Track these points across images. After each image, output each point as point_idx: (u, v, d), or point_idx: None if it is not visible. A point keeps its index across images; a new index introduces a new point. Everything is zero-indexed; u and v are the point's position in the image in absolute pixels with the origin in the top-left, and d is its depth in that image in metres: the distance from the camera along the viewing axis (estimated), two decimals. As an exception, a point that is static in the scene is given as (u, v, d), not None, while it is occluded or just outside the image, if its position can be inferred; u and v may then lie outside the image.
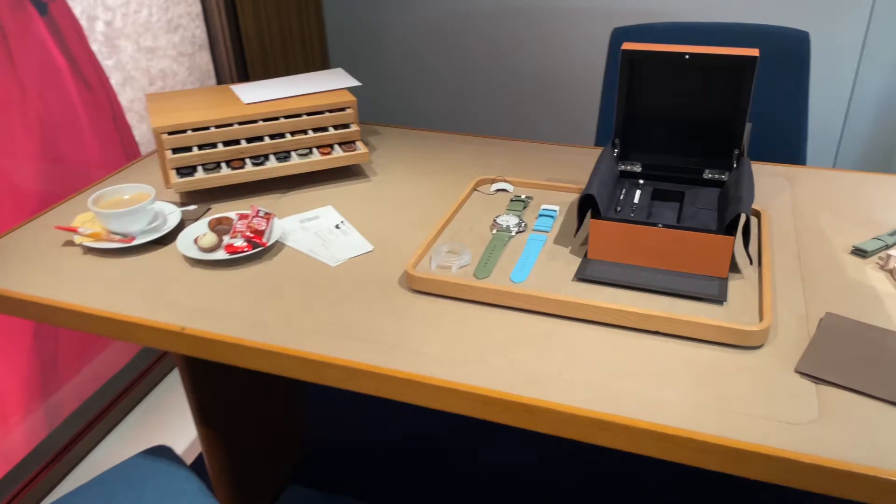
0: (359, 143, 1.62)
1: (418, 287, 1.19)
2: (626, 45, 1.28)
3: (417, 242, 1.33)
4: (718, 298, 1.11)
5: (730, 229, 1.13)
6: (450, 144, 1.77)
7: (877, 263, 1.22)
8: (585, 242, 1.28)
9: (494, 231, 1.34)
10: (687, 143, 1.34)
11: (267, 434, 1.97)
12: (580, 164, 1.62)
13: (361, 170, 1.65)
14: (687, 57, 1.25)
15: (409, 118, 3.49)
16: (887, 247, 1.26)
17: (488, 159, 1.67)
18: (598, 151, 1.69)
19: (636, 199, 1.28)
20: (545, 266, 1.23)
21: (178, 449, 2.25)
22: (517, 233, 1.33)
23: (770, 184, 1.51)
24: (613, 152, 1.36)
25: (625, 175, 1.36)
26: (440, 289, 1.18)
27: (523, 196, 1.47)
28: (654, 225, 1.16)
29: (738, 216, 1.12)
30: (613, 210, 1.26)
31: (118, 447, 2.26)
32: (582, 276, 1.18)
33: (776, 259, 1.24)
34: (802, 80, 1.84)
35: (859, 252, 1.25)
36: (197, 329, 1.11)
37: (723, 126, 1.30)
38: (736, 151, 1.29)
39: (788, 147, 1.90)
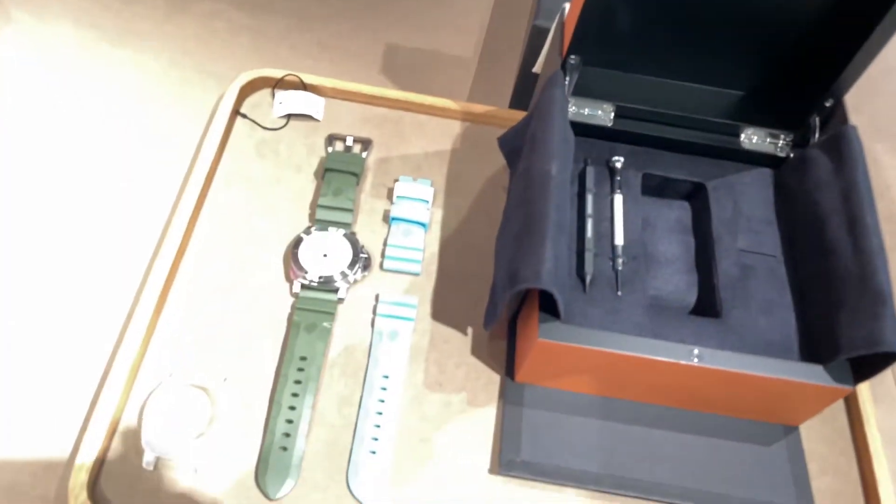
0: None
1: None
2: None
3: (103, 332, 0.54)
4: (801, 519, 0.52)
5: (836, 367, 0.50)
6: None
7: None
8: (507, 327, 0.58)
9: (298, 292, 0.58)
10: (714, 68, 0.60)
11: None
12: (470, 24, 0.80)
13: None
14: None
15: None
16: None
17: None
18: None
19: (618, 226, 0.57)
20: (419, 412, 0.54)
21: None
22: (350, 284, 0.58)
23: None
24: (565, 83, 0.58)
25: (584, 131, 0.61)
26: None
27: (350, 143, 0.67)
28: (687, 360, 0.49)
29: (882, 358, 0.49)
30: (573, 266, 0.55)
31: None
32: (513, 469, 0.52)
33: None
34: None
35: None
36: None
37: (806, 44, 0.57)
38: (829, 103, 0.59)
39: None
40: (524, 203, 0.52)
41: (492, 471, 0.52)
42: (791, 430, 0.56)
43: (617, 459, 0.53)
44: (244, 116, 0.68)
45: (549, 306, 0.50)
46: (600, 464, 0.52)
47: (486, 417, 0.54)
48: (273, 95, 0.69)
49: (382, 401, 0.54)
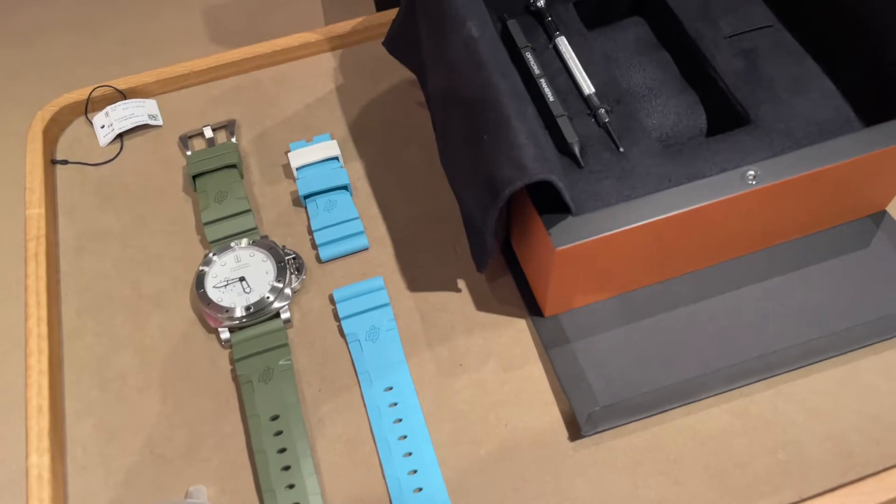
0: None
1: None
2: None
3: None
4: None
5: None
6: None
7: None
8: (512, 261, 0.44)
9: (230, 339, 0.42)
10: None
11: None
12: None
13: None
14: None
15: None
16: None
17: None
18: None
19: (579, 73, 0.43)
20: (450, 409, 0.40)
21: None
22: (290, 299, 0.43)
23: None
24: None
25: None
26: None
27: (210, 133, 0.51)
28: (743, 187, 0.37)
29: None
30: (551, 144, 0.41)
31: None
32: (598, 423, 0.38)
33: None
34: None
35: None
36: None
37: None
38: None
39: None
40: (458, 89, 0.38)
41: (573, 437, 0.39)
42: (880, 217, 0.44)
43: (711, 349, 0.40)
44: (64, 163, 0.51)
45: (548, 204, 0.36)
46: (696, 363, 0.40)
47: (533, 378, 0.41)
48: (90, 121, 0.53)
49: (400, 420, 0.39)
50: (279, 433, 0.39)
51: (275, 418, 0.39)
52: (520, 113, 0.35)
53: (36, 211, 0.47)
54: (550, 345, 0.41)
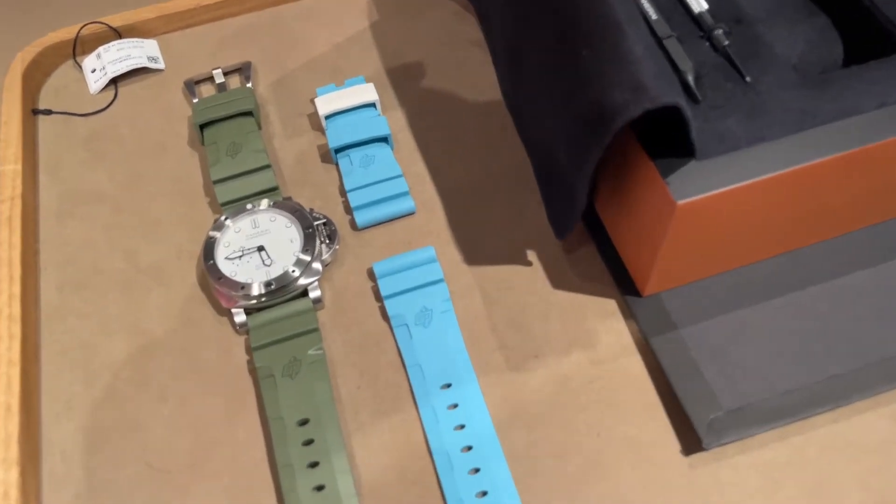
0: None
1: None
2: None
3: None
4: None
5: None
6: None
7: None
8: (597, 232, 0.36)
9: (246, 323, 0.34)
10: None
11: None
12: None
13: None
14: None
15: None
16: None
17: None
18: None
19: (696, 1, 0.34)
20: (525, 411, 0.31)
21: None
22: (320, 274, 0.35)
23: None
24: None
25: None
26: None
27: (221, 78, 0.42)
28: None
29: None
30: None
31: None
32: (724, 432, 0.30)
33: None
34: None
35: None
36: None
37: None
38: None
39: None
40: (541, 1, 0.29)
41: (688, 450, 0.30)
42: None
43: (864, 337, 0.31)
44: (47, 112, 0.43)
45: (658, 147, 0.28)
46: (845, 356, 0.31)
47: (631, 373, 0.32)
48: (79, 65, 0.44)
49: (462, 426, 0.31)
50: (309, 442, 0.30)
51: (304, 423, 0.31)
52: (632, 20, 0.26)
53: (11, 167, 0.39)
54: (652, 332, 0.32)
